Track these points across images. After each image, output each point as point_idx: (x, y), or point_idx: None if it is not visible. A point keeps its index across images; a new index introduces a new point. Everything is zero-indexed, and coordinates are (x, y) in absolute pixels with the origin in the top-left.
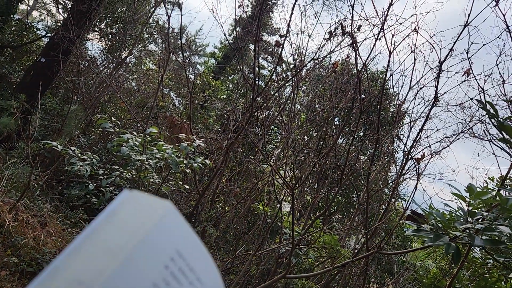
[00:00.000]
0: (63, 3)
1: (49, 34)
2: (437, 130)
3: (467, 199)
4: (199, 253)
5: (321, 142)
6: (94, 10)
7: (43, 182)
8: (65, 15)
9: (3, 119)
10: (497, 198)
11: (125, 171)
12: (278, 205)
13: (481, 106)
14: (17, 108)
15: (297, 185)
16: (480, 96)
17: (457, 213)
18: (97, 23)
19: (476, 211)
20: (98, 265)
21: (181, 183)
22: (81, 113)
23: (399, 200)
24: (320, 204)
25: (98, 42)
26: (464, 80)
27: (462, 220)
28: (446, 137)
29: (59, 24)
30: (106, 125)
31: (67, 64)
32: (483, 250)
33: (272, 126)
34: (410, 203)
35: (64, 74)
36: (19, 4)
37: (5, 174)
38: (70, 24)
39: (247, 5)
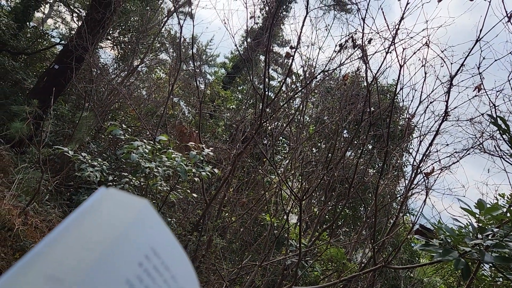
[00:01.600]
0: (78, 12)
1: (62, 42)
2: (447, 145)
3: (477, 215)
4: (175, 251)
5: (330, 154)
6: (108, 19)
7: (52, 187)
8: (79, 23)
9: (15, 124)
10: (508, 214)
11: (133, 178)
12: (285, 216)
13: (493, 121)
14: (30, 114)
15: (305, 196)
16: (491, 112)
17: (467, 228)
18: (110, 32)
19: (486, 227)
20: (73, 261)
21: (189, 191)
22: (92, 119)
23: (407, 214)
24: (326, 216)
25: (110, 50)
26: (475, 95)
27: (472, 236)
28: (456, 152)
29: (72, 32)
30: (117, 132)
31: (80, 71)
32: (493, 267)
33: (280, 137)
34: (419, 217)
35: (77, 81)
36: (35, 12)
37: (16, 178)
38: (84, 32)
39: (258, 17)
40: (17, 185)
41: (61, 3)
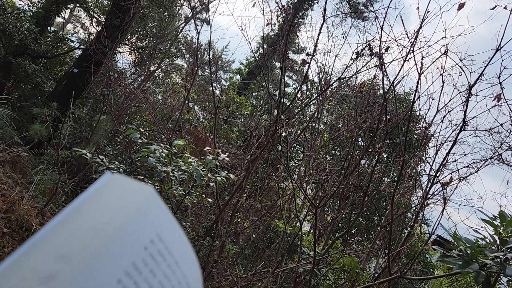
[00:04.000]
0: (97, 17)
1: (82, 46)
2: (465, 155)
3: (497, 227)
4: (178, 238)
5: (344, 162)
6: (126, 25)
7: (69, 189)
8: (99, 28)
9: (35, 126)
10: None
11: (149, 182)
12: (298, 224)
13: None
14: (49, 116)
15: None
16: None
17: (486, 240)
18: (128, 37)
19: (508, 239)
20: (81, 242)
21: (203, 196)
22: (109, 123)
23: (423, 225)
24: (340, 225)
25: (128, 55)
26: (495, 105)
27: (493, 248)
28: (473, 162)
29: (91, 36)
30: (135, 135)
31: (98, 76)
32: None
33: (294, 144)
34: (436, 228)
35: (95, 85)
36: (56, 17)
37: (34, 180)
38: (103, 37)
39: (275, 24)
40: (35, 186)
41: (81, 9)
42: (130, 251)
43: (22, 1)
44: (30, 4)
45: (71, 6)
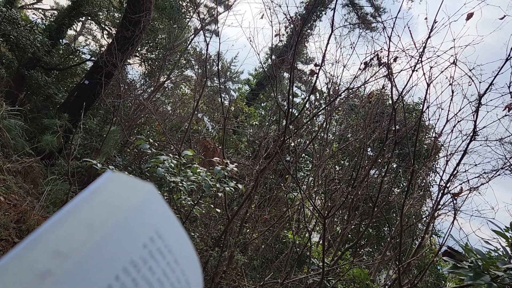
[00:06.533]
0: (108, 30)
1: (93, 58)
2: (476, 165)
3: (509, 238)
4: (178, 236)
5: (353, 172)
6: (137, 37)
7: None
8: (110, 40)
9: (46, 136)
10: None
11: (158, 192)
12: (307, 234)
13: None
14: (60, 127)
15: (329, 214)
16: None
17: (498, 251)
18: (139, 49)
19: None
20: (79, 239)
21: (212, 206)
22: (119, 133)
23: (433, 236)
24: (349, 235)
25: (138, 66)
26: (505, 115)
27: (505, 260)
28: (484, 172)
29: (102, 48)
30: (144, 146)
31: (108, 87)
32: None
33: (303, 154)
34: (447, 239)
35: (105, 96)
36: (68, 29)
37: (45, 190)
38: (114, 49)
39: (283, 34)
40: (46, 196)
41: (92, 21)
42: (128, 248)
43: (36, 15)
44: (43, 18)
45: (83, 19)
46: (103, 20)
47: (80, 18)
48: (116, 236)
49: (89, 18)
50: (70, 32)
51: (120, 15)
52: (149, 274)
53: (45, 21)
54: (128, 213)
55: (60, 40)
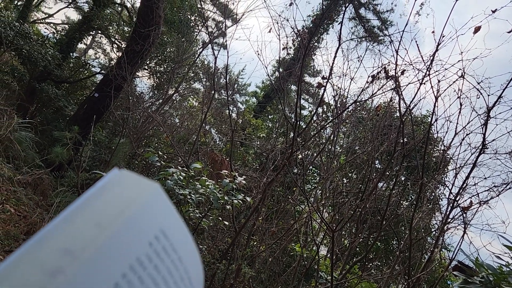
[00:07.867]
0: (118, 43)
1: (102, 71)
2: (485, 178)
3: None
4: (183, 235)
5: (361, 185)
6: (146, 50)
7: None
8: (119, 54)
9: (56, 149)
10: None
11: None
12: (314, 247)
13: None
14: (70, 139)
15: (338, 227)
16: None
17: (510, 266)
18: (148, 62)
19: None
20: (86, 237)
21: (220, 219)
22: (128, 146)
23: (443, 250)
24: (357, 249)
25: (147, 79)
26: None
27: None
28: (494, 186)
29: (112, 62)
30: (153, 158)
31: (117, 99)
32: None
33: (311, 167)
34: (457, 253)
35: (114, 109)
36: (78, 43)
37: (54, 202)
38: (124, 62)
39: (290, 48)
40: (56, 208)
41: (102, 35)
42: (135, 247)
43: (47, 29)
44: (55, 32)
45: (93, 33)
46: (113, 34)
47: (91, 32)
48: (123, 235)
49: (99, 32)
50: (81, 45)
51: (129, 29)
52: (155, 272)
53: (56, 35)
54: (135, 211)
55: (71, 54)
